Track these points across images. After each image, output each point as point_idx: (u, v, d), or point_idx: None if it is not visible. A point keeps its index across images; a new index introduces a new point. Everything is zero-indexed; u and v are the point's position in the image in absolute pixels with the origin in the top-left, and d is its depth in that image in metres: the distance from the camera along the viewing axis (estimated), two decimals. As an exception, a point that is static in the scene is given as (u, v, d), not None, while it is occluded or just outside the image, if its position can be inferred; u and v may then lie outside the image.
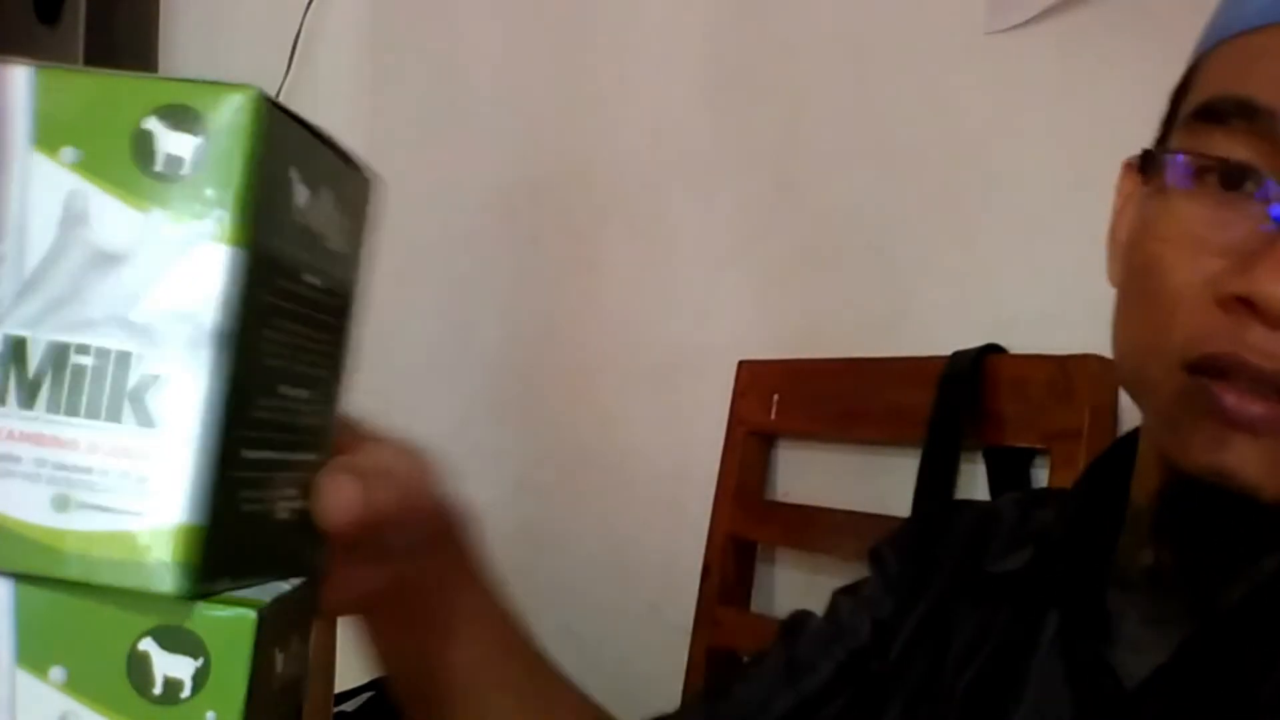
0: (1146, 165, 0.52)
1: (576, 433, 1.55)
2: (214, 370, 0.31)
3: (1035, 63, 1.08)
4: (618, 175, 1.51)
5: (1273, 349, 0.45)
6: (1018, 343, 1.06)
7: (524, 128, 1.64)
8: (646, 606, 1.42)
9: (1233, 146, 0.47)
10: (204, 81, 0.31)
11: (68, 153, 0.31)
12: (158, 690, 0.31)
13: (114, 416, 0.31)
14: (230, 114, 0.31)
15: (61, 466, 0.31)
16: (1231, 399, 0.46)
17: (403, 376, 1.80)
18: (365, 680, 1.55)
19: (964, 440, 1.06)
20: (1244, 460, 0.46)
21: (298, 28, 1.80)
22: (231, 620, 0.31)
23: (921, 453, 1.07)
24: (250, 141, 0.31)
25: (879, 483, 1.17)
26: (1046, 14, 1.06)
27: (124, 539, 0.31)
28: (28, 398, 0.31)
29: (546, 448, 1.59)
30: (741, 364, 1.30)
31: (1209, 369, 0.47)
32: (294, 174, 0.33)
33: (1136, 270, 0.51)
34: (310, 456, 0.37)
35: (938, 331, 1.13)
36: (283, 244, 0.33)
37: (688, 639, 1.28)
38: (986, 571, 0.59)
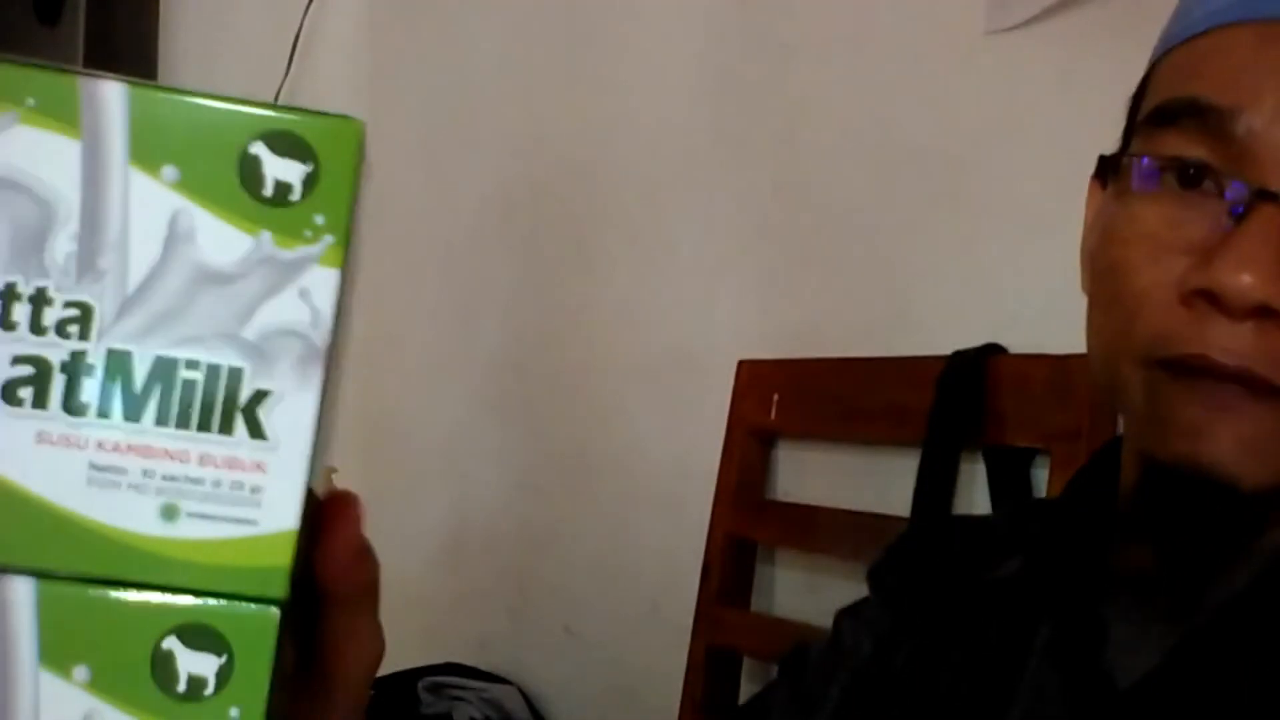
0: (1104, 171, 0.53)
1: (576, 432, 1.55)
2: (319, 386, 0.32)
3: (1035, 63, 1.08)
4: (618, 175, 1.51)
5: (1236, 345, 0.46)
6: (1018, 342, 1.06)
7: (524, 128, 1.64)
8: (646, 606, 1.43)
9: (1187, 146, 0.48)
10: (306, 110, 0.32)
11: (168, 171, 0.32)
12: (182, 688, 0.31)
13: (226, 429, 0.32)
14: (340, 144, 0.32)
15: (170, 477, 0.32)
16: (1205, 395, 0.46)
17: (404, 377, 1.81)
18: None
19: (964, 440, 1.06)
20: (1220, 452, 0.46)
21: (297, 28, 1.80)
22: (256, 617, 0.32)
23: (922, 452, 1.07)
24: (356, 170, 0.32)
25: (879, 482, 1.17)
26: (1046, 14, 1.06)
27: (236, 546, 0.32)
28: (132, 410, 0.32)
29: (546, 448, 1.59)
30: (741, 363, 1.30)
31: (1177, 370, 0.47)
32: (361, 195, 0.34)
33: (1102, 275, 0.51)
34: (320, 453, 0.38)
35: (938, 331, 1.13)
36: (352, 263, 0.34)
37: (687, 638, 1.28)
38: (979, 581, 0.59)
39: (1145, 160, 0.49)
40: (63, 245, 0.31)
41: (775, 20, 1.33)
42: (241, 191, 0.32)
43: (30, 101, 0.31)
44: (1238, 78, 0.48)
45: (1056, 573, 0.55)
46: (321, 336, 0.32)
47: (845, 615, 0.67)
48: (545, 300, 1.61)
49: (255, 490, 0.32)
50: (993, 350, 1.06)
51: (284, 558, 0.32)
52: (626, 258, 1.50)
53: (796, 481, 1.28)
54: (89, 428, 0.31)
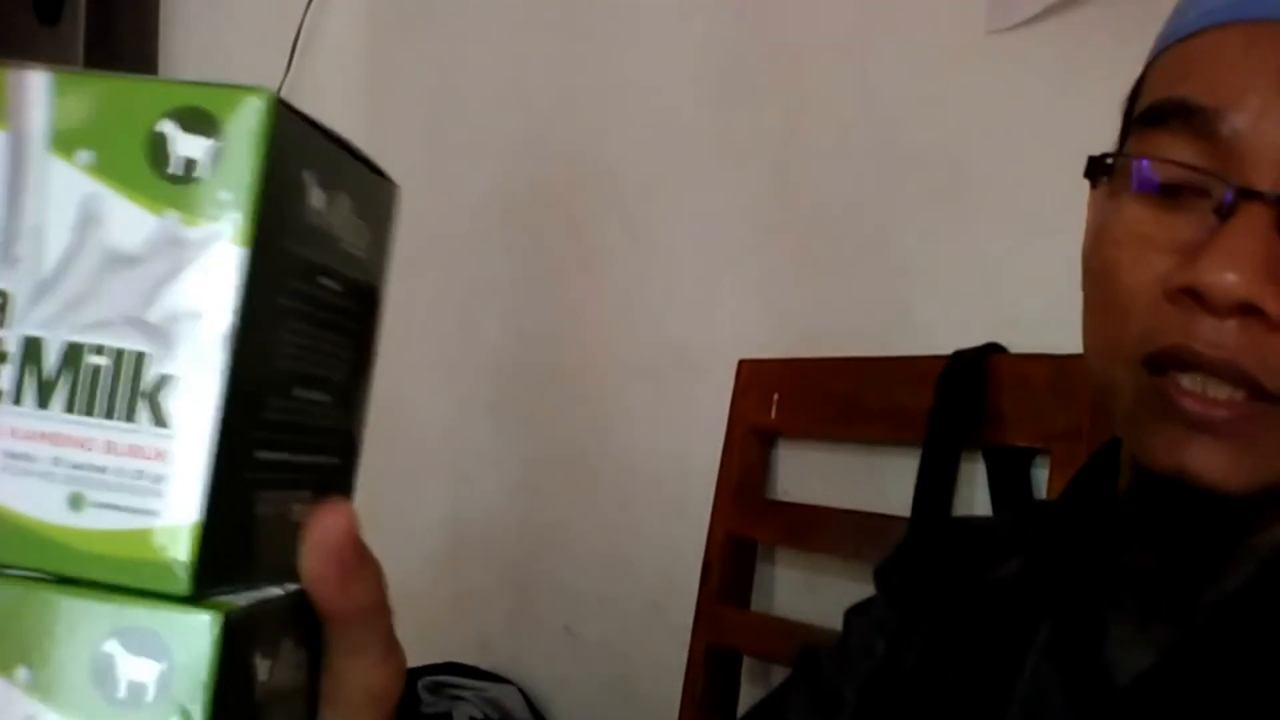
0: (1095, 172, 0.53)
1: (576, 432, 1.55)
2: (227, 370, 0.31)
3: (1036, 62, 1.08)
4: (618, 174, 1.51)
5: (1220, 339, 0.46)
6: (1019, 342, 1.06)
7: (524, 127, 1.64)
8: (647, 605, 1.43)
9: (1176, 146, 0.49)
10: (218, 85, 0.31)
11: (83, 155, 0.32)
12: (122, 694, 0.30)
13: (130, 416, 0.31)
14: (244, 117, 0.31)
15: (77, 465, 0.31)
16: (1192, 403, 0.47)
17: (404, 377, 1.80)
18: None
19: (964, 440, 1.06)
20: (1206, 462, 0.47)
21: (297, 28, 1.80)
22: (194, 623, 0.31)
23: (922, 452, 1.07)
24: (263, 144, 0.31)
25: (879, 482, 1.17)
26: (1047, 13, 1.06)
27: (138, 538, 0.31)
28: (43, 397, 0.31)
29: (546, 447, 1.59)
30: (742, 363, 1.30)
31: (1163, 364, 0.47)
32: (308, 177, 0.33)
33: (1094, 275, 0.52)
34: (329, 460, 0.37)
35: (938, 331, 1.13)
36: (296, 246, 0.33)
37: (688, 638, 1.28)
38: (980, 581, 0.60)
39: (1135, 161, 0.50)
40: None
41: (775, 19, 1.33)
42: (150, 171, 0.31)
43: None
44: (1225, 78, 0.48)
45: (1056, 572, 0.55)
46: (226, 318, 0.31)
47: (855, 614, 0.67)
48: (545, 299, 1.61)
49: (156, 479, 0.31)
50: (993, 350, 1.06)
51: (183, 551, 0.31)
52: (627, 257, 1.50)
53: (797, 481, 1.28)
54: (3, 415, 0.31)
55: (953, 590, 0.62)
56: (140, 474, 0.31)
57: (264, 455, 0.33)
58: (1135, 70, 0.55)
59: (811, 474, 1.26)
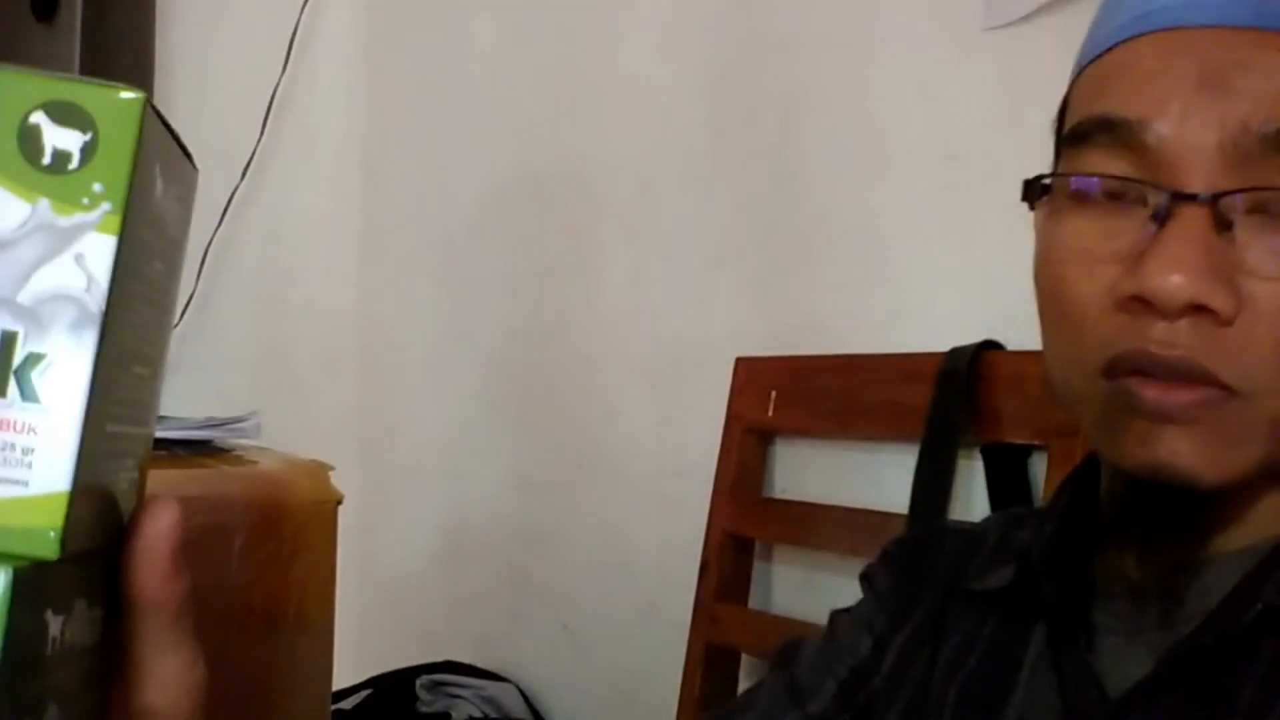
0: (1032, 193, 0.54)
1: (574, 431, 1.55)
2: (96, 351, 0.33)
3: (1033, 58, 1.08)
4: (615, 173, 1.51)
5: (1172, 339, 0.47)
6: (1015, 339, 1.06)
7: (520, 126, 1.64)
8: (644, 604, 1.43)
9: (1106, 161, 0.50)
10: (88, 81, 0.34)
11: None
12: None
13: (1, 392, 0.33)
14: (119, 115, 0.34)
15: None
16: (1151, 392, 0.47)
17: (401, 376, 1.80)
18: (362, 679, 1.55)
19: (961, 436, 1.06)
20: (1174, 451, 0.48)
21: (294, 27, 1.80)
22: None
23: (919, 449, 1.07)
24: (135, 140, 0.34)
25: (877, 479, 1.17)
26: (1044, 10, 1.06)
27: (7, 506, 0.33)
28: None
29: (544, 446, 1.59)
30: (739, 361, 1.30)
31: (1121, 369, 0.48)
32: (157, 169, 0.36)
33: (1045, 292, 0.53)
34: (144, 430, 0.39)
35: (935, 328, 1.13)
36: (146, 233, 0.35)
37: (686, 636, 1.29)
38: (972, 588, 0.60)
39: (1069, 179, 0.51)
40: None
41: (772, 16, 1.33)
42: (21, 159, 0.33)
43: None
44: (1143, 90, 0.50)
45: (1048, 581, 0.55)
46: (96, 302, 0.33)
47: (841, 613, 0.67)
48: (542, 298, 1.61)
49: (27, 451, 0.33)
50: (989, 347, 1.06)
51: (54, 518, 0.33)
52: (623, 255, 1.50)
53: (794, 478, 1.28)
54: None
55: (941, 595, 0.62)
56: (10, 446, 0.33)
57: (111, 429, 0.35)
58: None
59: (809, 471, 1.27)
